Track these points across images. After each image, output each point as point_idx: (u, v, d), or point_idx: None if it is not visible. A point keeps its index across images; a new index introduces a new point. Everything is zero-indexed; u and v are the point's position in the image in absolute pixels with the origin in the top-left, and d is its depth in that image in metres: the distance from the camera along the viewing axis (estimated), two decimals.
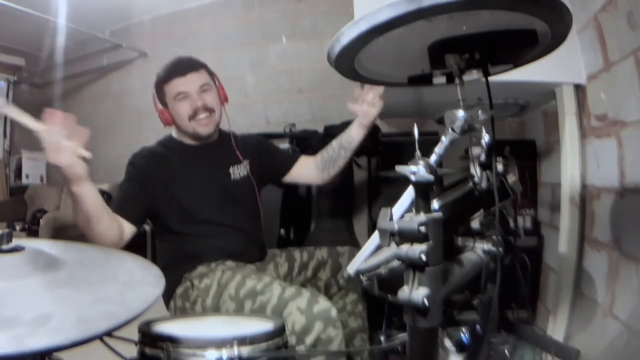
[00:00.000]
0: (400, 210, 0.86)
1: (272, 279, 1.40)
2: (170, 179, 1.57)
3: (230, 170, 1.68)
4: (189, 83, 1.58)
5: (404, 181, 0.74)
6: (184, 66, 1.61)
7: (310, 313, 1.25)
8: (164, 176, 1.56)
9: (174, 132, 1.70)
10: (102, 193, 3.94)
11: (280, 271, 1.69)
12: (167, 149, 1.64)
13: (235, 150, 1.71)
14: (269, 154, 1.84)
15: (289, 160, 1.83)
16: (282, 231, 2.74)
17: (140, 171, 1.56)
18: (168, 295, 1.54)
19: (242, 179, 1.69)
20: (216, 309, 1.42)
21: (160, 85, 1.62)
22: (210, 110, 1.60)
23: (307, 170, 1.80)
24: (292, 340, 1.24)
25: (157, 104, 1.65)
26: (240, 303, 1.38)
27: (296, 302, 1.28)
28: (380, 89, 1.59)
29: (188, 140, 1.66)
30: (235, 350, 0.98)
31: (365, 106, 1.62)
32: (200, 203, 1.59)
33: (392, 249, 0.75)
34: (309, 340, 1.24)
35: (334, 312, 1.28)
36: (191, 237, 1.56)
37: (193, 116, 1.58)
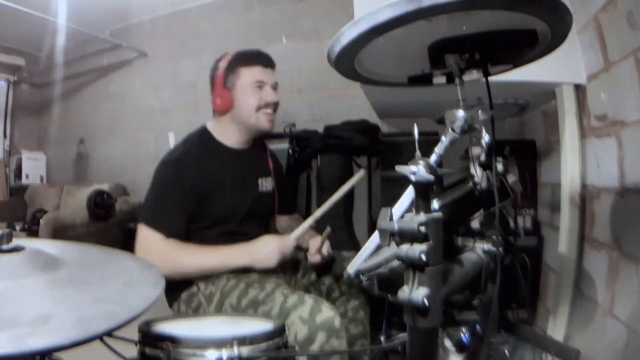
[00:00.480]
0: (400, 210, 0.86)
1: (275, 287, 1.38)
2: (206, 186, 1.52)
3: (259, 181, 1.65)
4: (269, 76, 1.59)
5: (404, 181, 0.74)
6: (266, 59, 1.61)
7: (313, 323, 1.23)
8: (200, 184, 1.51)
9: (212, 127, 1.62)
10: (102, 193, 3.96)
11: (286, 272, 1.67)
12: (205, 151, 1.56)
13: (268, 161, 1.70)
14: (282, 186, 1.81)
15: (290, 206, 1.85)
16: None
17: (181, 183, 1.49)
18: (172, 297, 1.53)
19: (267, 192, 1.68)
20: None
21: (236, 66, 1.56)
22: (276, 109, 1.60)
23: (284, 226, 1.82)
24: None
25: (219, 85, 1.57)
26: (242, 313, 1.36)
27: (298, 312, 1.25)
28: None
29: (229, 141, 1.60)
30: (235, 350, 0.97)
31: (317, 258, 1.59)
32: (229, 212, 1.56)
33: (392, 249, 0.75)
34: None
35: (337, 322, 1.25)
36: (207, 242, 1.51)
37: (260, 108, 1.56)
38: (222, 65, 1.58)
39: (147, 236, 1.45)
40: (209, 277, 1.48)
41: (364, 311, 1.63)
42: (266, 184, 1.68)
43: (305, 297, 1.30)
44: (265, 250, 1.46)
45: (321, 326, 1.23)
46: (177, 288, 1.50)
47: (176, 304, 1.52)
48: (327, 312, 1.25)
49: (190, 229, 1.51)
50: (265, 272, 1.55)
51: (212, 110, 1.64)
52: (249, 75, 1.56)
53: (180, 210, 1.48)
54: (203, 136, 1.61)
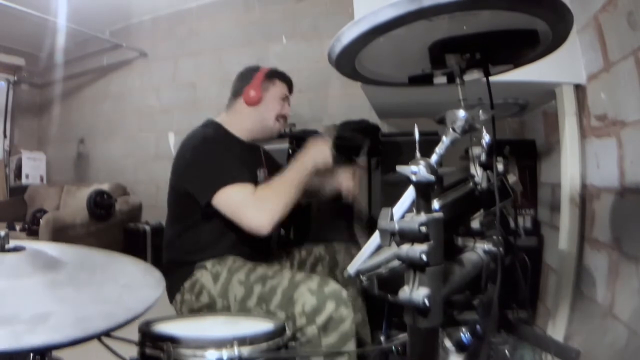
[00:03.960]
0: (401, 210, 0.86)
1: (282, 267, 1.49)
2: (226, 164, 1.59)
3: (257, 172, 1.77)
4: (289, 96, 1.84)
5: (405, 181, 0.74)
6: (292, 82, 1.86)
7: (322, 293, 1.29)
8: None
9: (223, 119, 1.74)
10: (102, 193, 3.96)
11: (284, 264, 1.73)
12: (222, 136, 1.69)
13: (265, 155, 1.85)
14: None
15: None
16: (282, 231, 2.73)
17: (223, 145, 1.61)
18: (174, 290, 1.55)
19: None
20: (223, 296, 1.44)
21: (274, 77, 1.78)
22: (286, 122, 1.85)
23: None
24: (302, 321, 1.28)
25: (257, 82, 1.73)
26: (249, 288, 1.40)
27: (307, 285, 1.32)
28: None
29: (238, 132, 1.74)
30: (236, 350, 0.98)
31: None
32: None
33: (392, 249, 0.75)
34: (320, 320, 1.26)
35: (344, 293, 1.32)
36: (217, 226, 1.55)
37: (279, 117, 1.78)
38: (262, 70, 1.78)
39: (232, 194, 1.46)
40: (216, 257, 1.53)
41: (361, 299, 1.66)
42: (261, 175, 1.77)
43: (312, 274, 1.40)
44: (315, 147, 1.62)
45: (330, 295, 1.29)
46: (177, 279, 1.53)
47: (179, 295, 1.54)
48: (334, 285, 1.33)
49: (195, 217, 1.55)
50: (265, 261, 1.62)
51: (228, 104, 1.79)
52: (281, 87, 1.80)
53: (238, 162, 1.57)
54: (218, 128, 1.72)
